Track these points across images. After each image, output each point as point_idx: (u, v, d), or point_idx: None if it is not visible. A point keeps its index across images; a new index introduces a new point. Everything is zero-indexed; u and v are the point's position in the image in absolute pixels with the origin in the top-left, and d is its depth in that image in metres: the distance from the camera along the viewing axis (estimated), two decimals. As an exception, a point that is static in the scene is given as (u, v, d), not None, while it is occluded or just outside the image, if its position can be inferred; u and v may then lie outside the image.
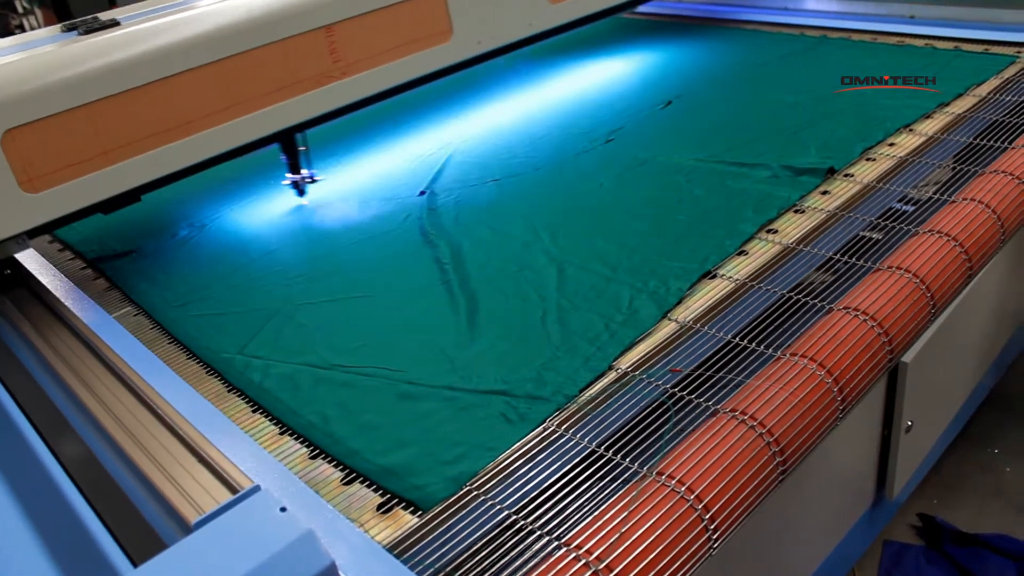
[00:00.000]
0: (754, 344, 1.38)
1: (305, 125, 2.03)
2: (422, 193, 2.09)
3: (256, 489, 1.04)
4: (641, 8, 3.33)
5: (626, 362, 1.38)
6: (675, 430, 1.23)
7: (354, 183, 2.30)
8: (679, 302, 1.51)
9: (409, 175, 2.23)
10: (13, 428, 1.32)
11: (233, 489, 1.08)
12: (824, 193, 1.80)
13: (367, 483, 1.23)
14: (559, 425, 1.27)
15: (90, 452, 1.24)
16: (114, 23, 1.79)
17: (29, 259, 2.04)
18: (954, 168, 1.84)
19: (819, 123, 2.11)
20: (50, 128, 1.65)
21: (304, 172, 2.18)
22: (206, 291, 1.83)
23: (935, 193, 1.76)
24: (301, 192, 2.22)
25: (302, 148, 2.15)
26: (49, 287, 1.80)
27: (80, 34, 1.76)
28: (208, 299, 1.80)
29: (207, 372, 1.56)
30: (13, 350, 1.57)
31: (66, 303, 1.72)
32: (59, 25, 1.86)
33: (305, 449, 1.33)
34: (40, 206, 1.69)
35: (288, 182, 2.20)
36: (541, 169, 2.13)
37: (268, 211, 2.19)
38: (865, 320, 1.38)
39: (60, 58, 1.67)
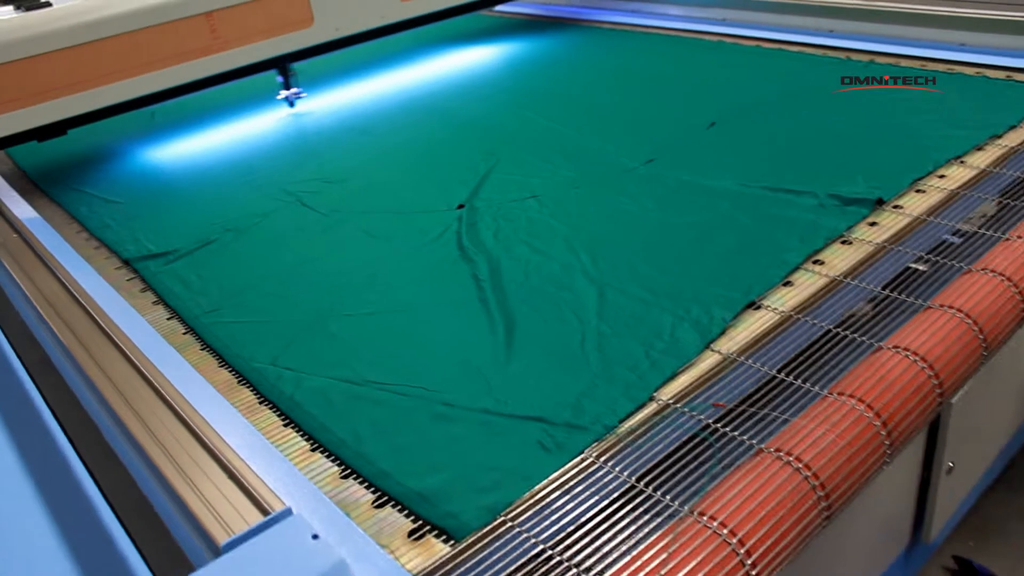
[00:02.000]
0: (799, 380, 1.34)
1: (192, 87, 2.71)
2: (461, 206, 2.07)
3: (288, 513, 1.02)
4: (685, 25, 3.30)
5: (667, 393, 1.35)
6: (718, 468, 1.19)
7: (406, 183, 2.34)
8: (722, 332, 1.47)
9: (449, 186, 2.21)
10: (47, 433, 1.32)
11: (264, 510, 1.06)
12: (872, 224, 1.76)
13: (399, 507, 1.20)
14: (597, 456, 1.24)
15: (123, 466, 1.23)
16: (47, 3, 2.47)
17: (67, 257, 2.05)
18: (1004, 203, 1.79)
19: (866, 150, 2.06)
20: None
21: (294, 89, 3.00)
22: (240, 297, 1.82)
23: (986, 228, 1.71)
24: (292, 104, 3.03)
25: (292, 73, 2.96)
26: (85, 288, 1.80)
27: (22, 11, 2.43)
28: (242, 306, 1.78)
29: (239, 381, 1.55)
30: (43, 345, 1.57)
31: (100, 305, 1.72)
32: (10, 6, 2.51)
33: (336, 468, 1.31)
34: None
35: (282, 97, 3.01)
36: (582, 187, 2.10)
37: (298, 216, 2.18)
38: (915, 361, 1.34)
39: (1, 27, 2.35)
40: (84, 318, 1.65)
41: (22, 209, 2.43)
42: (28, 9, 2.44)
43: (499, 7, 3.90)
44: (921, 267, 1.61)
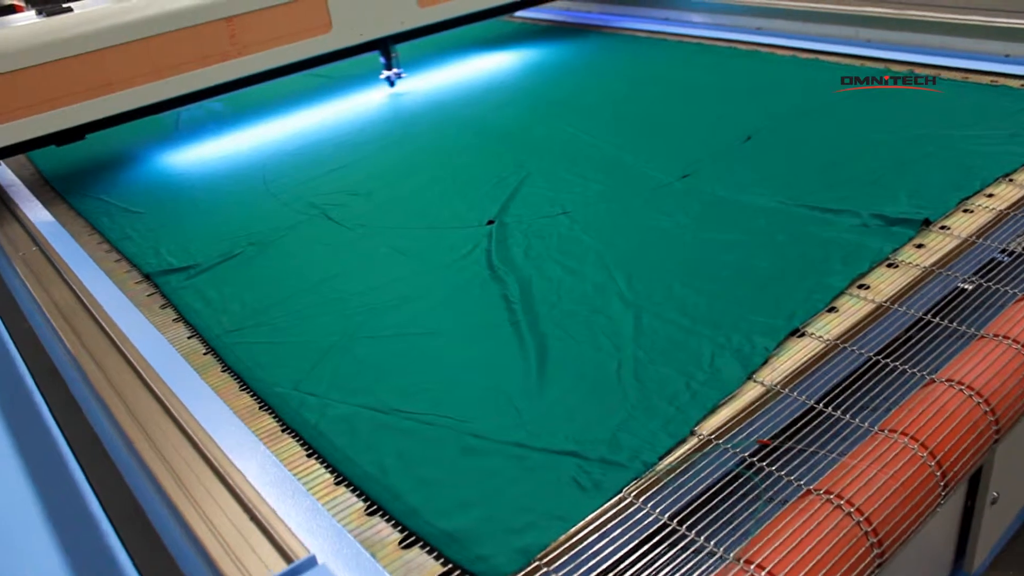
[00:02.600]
0: (848, 416, 1.28)
1: (211, 91, 2.71)
2: (490, 222, 2.01)
3: (312, 563, 0.97)
4: (717, 34, 3.23)
5: (708, 427, 1.28)
6: (764, 511, 1.13)
7: (434, 197, 2.29)
8: (764, 362, 1.41)
9: (479, 201, 2.16)
10: (59, 460, 1.27)
11: (287, 557, 1.01)
12: (919, 246, 1.69)
13: (427, 548, 1.15)
14: (635, 496, 1.18)
15: (134, 498, 1.18)
16: (68, 9, 2.49)
17: (86, 270, 2.01)
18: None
19: (908, 167, 1.99)
20: (13, 80, 2.36)
21: (395, 70, 3.17)
22: (263, 316, 1.77)
23: (1040, 252, 1.64)
24: (392, 83, 3.21)
25: (394, 54, 3.13)
26: (103, 304, 1.76)
27: (44, 16, 2.45)
28: (264, 325, 1.74)
29: (261, 407, 1.50)
30: (57, 364, 1.53)
31: (118, 323, 1.68)
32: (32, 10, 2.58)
33: (361, 503, 1.25)
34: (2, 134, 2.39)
35: (384, 76, 3.19)
36: (615, 202, 2.04)
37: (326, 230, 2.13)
38: (971, 396, 1.27)
39: (23, 32, 2.35)
40: (101, 336, 1.61)
41: (41, 216, 2.41)
42: (50, 14, 2.46)
43: (521, 12, 3.85)
44: (971, 290, 1.54)
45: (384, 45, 3.05)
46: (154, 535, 1.14)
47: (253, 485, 1.19)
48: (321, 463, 1.35)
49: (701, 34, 3.30)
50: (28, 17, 2.53)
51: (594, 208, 2.03)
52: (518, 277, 1.75)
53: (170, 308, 1.87)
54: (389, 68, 3.16)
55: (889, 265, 1.64)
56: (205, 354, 1.68)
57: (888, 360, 1.38)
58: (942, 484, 1.19)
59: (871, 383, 1.35)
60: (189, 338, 1.75)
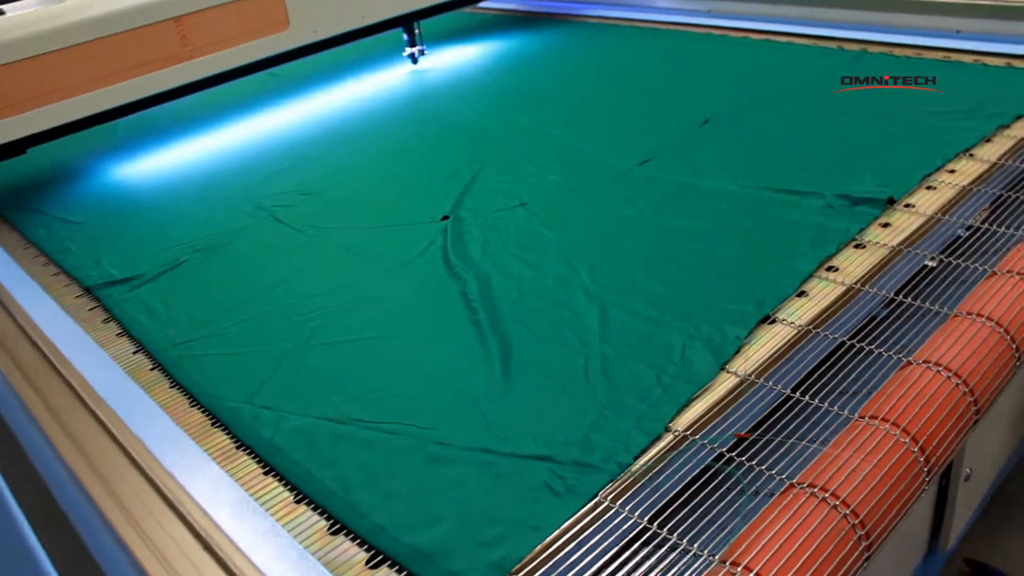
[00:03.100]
0: (825, 404, 1.24)
1: (160, 97, 2.53)
2: (445, 218, 1.94)
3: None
4: (670, 17, 3.19)
5: (683, 423, 1.23)
6: (747, 508, 1.08)
7: (387, 194, 2.22)
8: (737, 351, 1.36)
9: (433, 196, 2.09)
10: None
11: (245, 588, 0.94)
12: (885, 226, 1.66)
13: (396, 567, 1.08)
14: (612, 500, 1.12)
15: (82, 543, 1.09)
16: None
17: (20, 286, 1.90)
18: (1018, 197, 1.70)
19: (871, 146, 1.96)
20: None
21: (418, 47, 3.15)
22: (212, 326, 1.69)
23: (1003, 225, 1.62)
24: (415, 60, 3.20)
25: (417, 31, 3.10)
26: (39, 323, 1.66)
27: None
28: (214, 336, 1.65)
29: (213, 423, 1.42)
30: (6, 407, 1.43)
31: (55, 342, 1.59)
32: None
33: (324, 522, 1.18)
34: None
35: (407, 53, 3.17)
36: (573, 192, 1.99)
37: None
38: (949, 377, 1.23)
39: None
40: (37, 357, 1.52)
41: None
42: None
43: (483, 3, 3.76)
44: (938, 267, 1.51)
45: (408, 22, 3.02)
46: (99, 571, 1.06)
47: (206, 511, 1.12)
48: (279, 480, 1.27)
49: (655, 18, 3.26)
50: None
51: (552, 199, 1.97)
52: (476, 273, 1.69)
53: (113, 322, 1.77)
54: (412, 44, 3.13)
55: (856, 246, 1.61)
56: (152, 369, 1.59)
57: (862, 344, 1.35)
58: (926, 470, 1.15)
59: (847, 368, 1.31)
60: (135, 353, 1.65)
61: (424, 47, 3.19)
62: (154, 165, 2.65)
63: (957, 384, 1.23)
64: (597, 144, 2.23)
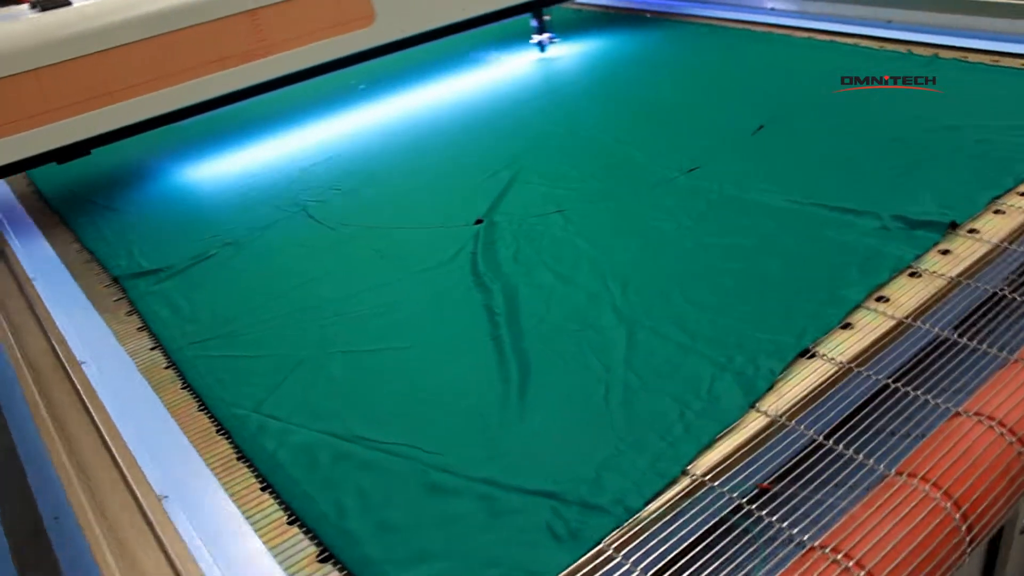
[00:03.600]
0: (860, 456, 1.13)
1: (232, 97, 2.31)
2: (479, 222, 1.87)
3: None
4: (731, 14, 3.05)
5: (702, 466, 1.14)
6: (760, 573, 0.99)
7: (422, 193, 2.13)
8: (769, 388, 1.26)
9: (468, 197, 2.01)
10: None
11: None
12: (944, 253, 1.53)
13: (380, 607, 1.02)
14: (615, 548, 1.04)
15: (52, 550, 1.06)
16: (67, 3, 2.14)
17: (51, 273, 1.89)
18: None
19: (933, 162, 1.82)
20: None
21: (547, 34, 2.97)
22: (232, 325, 1.65)
23: (1080, 259, 1.48)
24: (543, 49, 3.00)
25: (546, 17, 2.93)
26: (54, 314, 1.64)
27: (38, 11, 2.09)
28: (232, 336, 1.61)
29: (218, 430, 1.37)
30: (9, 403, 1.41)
31: (71, 336, 1.56)
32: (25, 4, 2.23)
33: (314, 548, 1.12)
34: None
35: (535, 41, 2.99)
36: (613, 200, 1.89)
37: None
38: (1003, 434, 1.12)
39: (14, 30, 2.01)
40: (48, 352, 1.49)
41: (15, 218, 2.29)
42: (45, 9, 2.13)
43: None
44: (1002, 304, 1.38)
45: (536, 8, 2.84)
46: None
47: (182, 536, 1.07)
48: (275, 499, 1.22)
49: (714, 15, 3.12)
50: (18, 12, 2.22)
51: (591, 206, 1.88)
52: (504, 285, 1.61)
53: (136, 315, 1.74)
54: (541, 32, 2.97)
55: (912, 274, 1.48)
56: (167, 368, 1.56)
57: (907, 388, 1.23)
58: (968, 539, 1.04)
59: (888, 415, 1.20)
60: (152, 349, 1.62)
61: (554, 35, 3.01)
62: (204, 158, 2.60)
63: (1011, 442, 1.12)
64: (645, 149, 2.12)
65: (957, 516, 1.03)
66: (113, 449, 1.21)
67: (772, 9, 2.98)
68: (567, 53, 3.01)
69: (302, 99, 2.88)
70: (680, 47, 2.91)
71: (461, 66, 3.05)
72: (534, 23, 2.95)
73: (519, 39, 3.11)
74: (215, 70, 2.25)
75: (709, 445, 1.18)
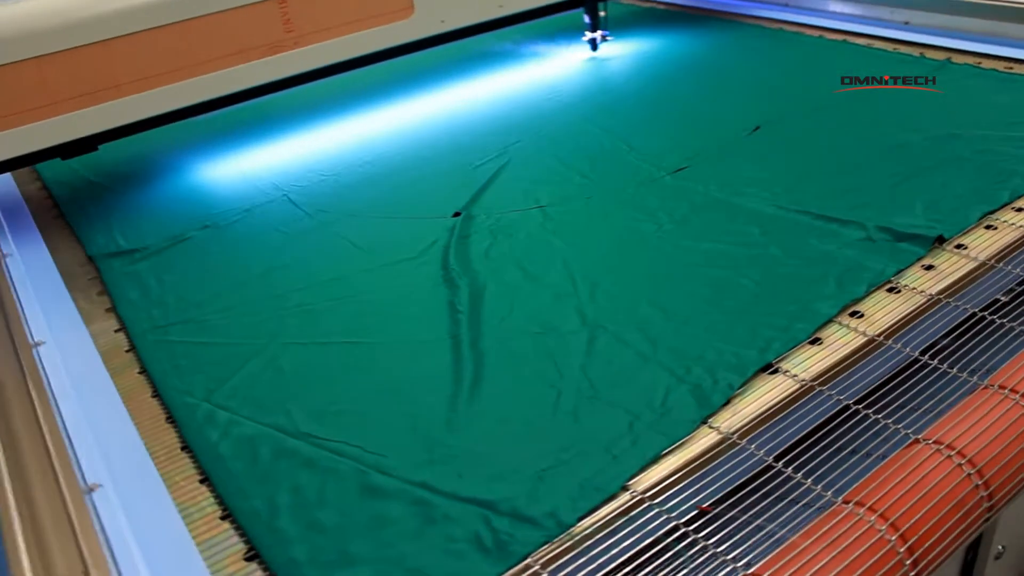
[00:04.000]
0: (809, 480, 1.08)
1: (255, 92, 2.12)
2: (456, 214, 1.83)
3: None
4: (741, 9, 2.97)
5: (644, 483, 1.10)
6: (688, 600, 0.95)
7: (405, 184, 2.07)
8: (725, 403, 1.21)
9: (451, 189, 1.97)
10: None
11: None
12: (928, 268, 1.47)
13: (295, 612, 0.99)
14: (542, 565, 1.00)
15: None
16: None
17: (34, 253, 1.88)
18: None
19: (930, 172, 1.76)
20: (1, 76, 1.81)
21: (600, 32, 2.76)
22: (195, 311, 1.62)
23: (1070, 283, 1.41)
24: (595, 47, 2.78)
25: (602, 13, 2.71)
26: (18, 297, 1.63)
27: None
28: (194, 322, 1.59)
29: (167, 419, 1.35)
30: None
31: (42, 317, 1.55)
32: None
33: (242, 545, 1.10)
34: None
35: (587, 39, 2.77)
36: (595, 198, 1.85)
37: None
38: (961, 464, 1.06)
39: (12, 13, 1.81)
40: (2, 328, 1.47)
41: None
42: None
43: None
44: (980, 327, 1.33)
45: (590, 3, 2.65)
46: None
47: (106, 528, 1.05)
48: (212, 492, 1.19)
49: (721, 8, 3.04)
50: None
51: (572, 204, 1.83)
52: (472, 282, 1.58)
53: (105, 296, 1.73)
54: (594, 29, 2.74)
55: (890, 290, 1.43)
56: (128, 351, 1.54)
57: (868, 411, 1.18)
58: (908, 563, 0.99)
59: (844, 439, 1.15)
60: (116, 332, 1.61)
61: (607, 33, 2.79)
62: (203, 139, 2.54)
63: (970, 474, 1.06)
64: (636, 146, 2.07)
65: (902, 549, 0.98)
66: (47, 435, 1.19)
67: (786, 4, 2.90)
68: (620, 52, 2.83)
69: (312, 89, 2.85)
70: (714, 47, 2.79)
71: (497, 63, 2.89)
72: (587, 19, 2.74)
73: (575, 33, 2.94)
74: (238, 62, 2.06)
75: (655, 460, 1.13)
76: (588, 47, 2.79)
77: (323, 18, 2.12)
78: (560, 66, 2.78)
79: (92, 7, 1.88)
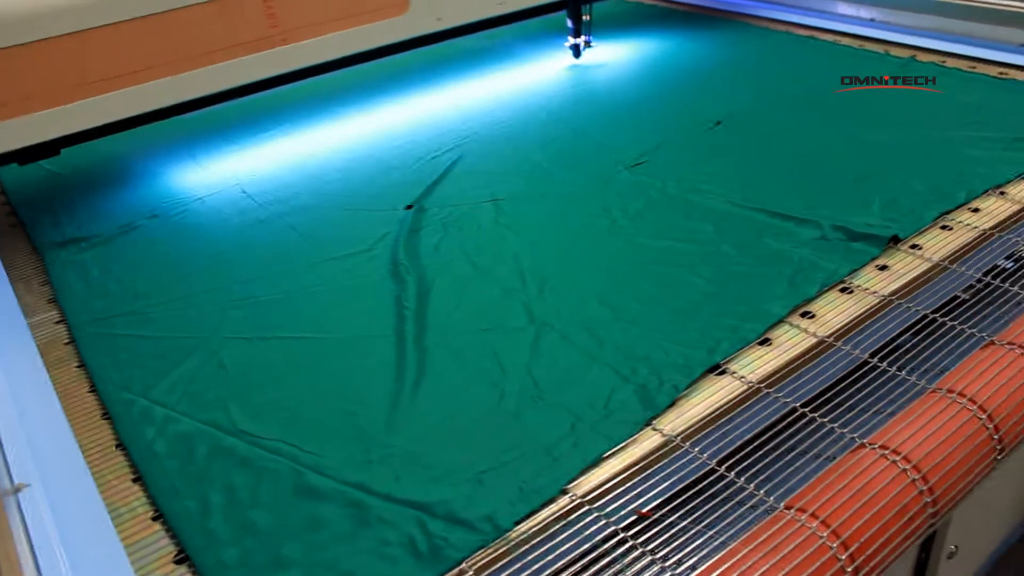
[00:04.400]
0: (752, 486, 1.07)
1: (237, 92, 1.97)
2: (408, 207, 1.80)
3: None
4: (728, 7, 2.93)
5: (584, 486, 1.08)
6: (621, 609, 0.93)
7: (357, 175, 2.01)
8: (671, 405, 1.19)
9: (406, 180, 1.94)
10: None
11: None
12: (881, 268, 1.46)
13: (225, 618, 0.96)
14: (476, 570, 0.98)
15: None
16: None
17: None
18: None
19: (890, 171, 1.74)
20: None
21: (583, 37, 2.57)
22: (139, 302, 1.58)
23: (1020, 287, 1.41)
24: (577, 54, 2.60)
25: (586, 17, 2.52)
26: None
27: None
28: (137, 315, 1.55)
29: (103, 415, 1.31)
30: None
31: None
32: None
33: (173, 547, 1.07)
34: None
35: (569, 44, 2.59)
36: (550, 192, 1.82)
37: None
38: (906, 470, 1.05)
39: None
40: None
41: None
42: None
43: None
44: (931, 329, 1.32)
45: (575, 5, 2.46)
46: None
47: (30, 529, 1.01)
48: (144, 492, 1.16)
49: (709, 4, 3.01)
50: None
51: (527, 197, 1.81)
52: (419, 277, 1.55)
53: (48, 287, 1.68)
54: (577, 35, 2.55)
55: (843, 289, 1.41)
56: (67, 344, 1.50)
57: (815, 414, 1.17)
58: (849, 570, 0.98)
59: (788, 443, 1.13)
60: (57, 323, 1.56)
61: (591, 38, 2.62)
62: (159, 128, 2.46)
63: (914, 479, 1.05)
64: (590, 137, 2.05)
65: (843, 556, 0.97)
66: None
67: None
68: (607, 58, 2.66)
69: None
70: (687, 43, 2.74)
71: (470, 60, 2.78)
72: (569, 24, 2.55)
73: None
74: (217, 60, 1.91)
75: (596, 463, 1.11)
76: (571, 53, 2.63)
77: (310, 13, 1.98)
78: (537, 65, 2.71)
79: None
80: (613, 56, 2.67)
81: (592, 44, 2.63)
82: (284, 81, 2.01)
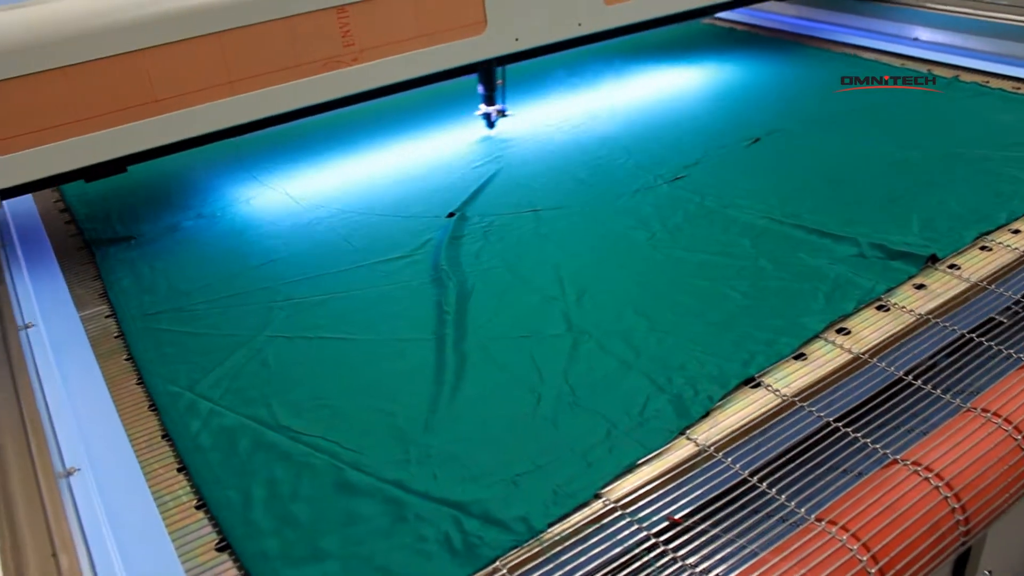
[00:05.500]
0: (783, 497, 1.08)
1: (309, 111, 1.91)
2: (451, 215, 1.83)
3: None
4: (749, 19, 2.95)
5: (617, 492, 1.10)
6: (651, 612, 0.94)
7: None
8: (705, 415, 1.21)
9: (448, 188, 1.97)
10: None
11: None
12: (919, 287, 1.46)
13: (260, 605, 0.99)
14: (509, 570, 1.00)
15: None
16: None
17: (31, 233, 1.89)
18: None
19: (928, 190, 1.75)
20: (24, 88, 1.59)
21: (497, 106, 2.24)
22: (187, 299, 1.63)
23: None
24: (491, 124, 2.28)
25: (499, 82, 2.19)
26: (10, 278, 1.64)
27: None
28: (184, 311, 1.59)
29: (150, 406, 1.35)
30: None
31: (33, 299, 1.56)
32: None
33: (214, 535, 1.10)
34: (9, 169, 1.63)
35: (480, 113, 2.26)
36: (589, 204, 1.84)
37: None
38: (937, 487, 1.06)
39: (38, 16, 1.59)
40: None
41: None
42: None
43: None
44: (968, 348, 1.32)
45: (487, 67, 2.15)
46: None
47: (80, 511, 1.05)
48: (188, 481, 1.20)
49: (753, 22, 3.02)
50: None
51: (567, 208, 1.83)
52: (460, 283, 1.58)
53: (99, 282, 1.73)
54: (490, 103, 2.24)
55: (879, 307, 1.42)
56: (117, 337, 1.55)
57: (848, 429, 1.17)
58: (883, 591, 0.98)
59: (820, 458, 1.14)
60: (107, 317, 1.61)
61: (505, 107, 2.27)
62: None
63: (946, 497, 1.06)
64: (631, 151, 2.07)
65: (873, 570, 0.98)
66: (26, 416, 1.19)
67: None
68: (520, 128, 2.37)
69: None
70: (728, 59, 2.76)
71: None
72: (480, 89, 2.22)
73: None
74: (291, 79, 1.83)
75: (630, 469, 1.13)
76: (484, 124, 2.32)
77: (387, 32, 1.89)
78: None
79: (127, 11, 1.64)
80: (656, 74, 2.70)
81: (507, 113, 2.29)
82: (356, 100, 1.96)
